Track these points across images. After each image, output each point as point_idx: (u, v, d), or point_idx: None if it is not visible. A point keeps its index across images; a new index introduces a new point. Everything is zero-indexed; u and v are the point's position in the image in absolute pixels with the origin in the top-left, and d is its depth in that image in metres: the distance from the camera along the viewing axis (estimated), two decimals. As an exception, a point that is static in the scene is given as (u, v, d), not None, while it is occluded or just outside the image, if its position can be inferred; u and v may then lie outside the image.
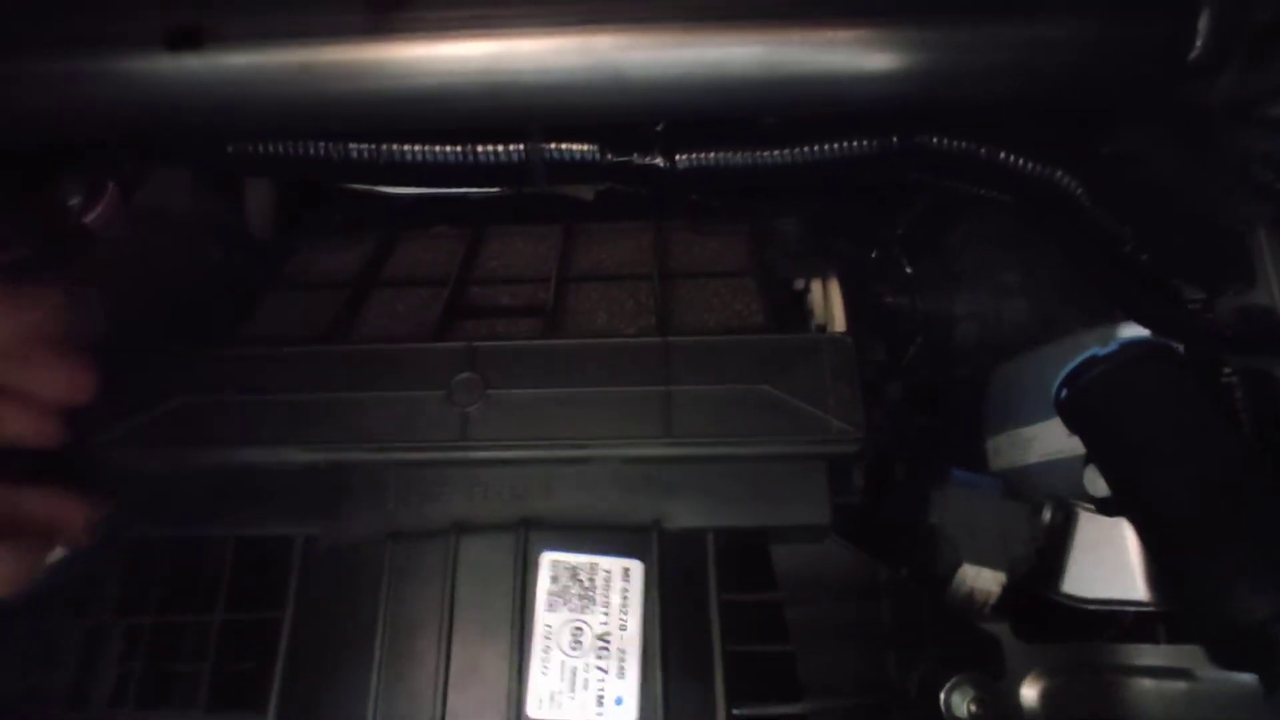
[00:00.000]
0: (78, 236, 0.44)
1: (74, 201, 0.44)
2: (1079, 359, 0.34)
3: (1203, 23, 0.34)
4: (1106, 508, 0.35)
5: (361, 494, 0.35)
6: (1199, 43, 0.34)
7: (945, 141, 0.41)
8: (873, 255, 0.50)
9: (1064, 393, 0.35)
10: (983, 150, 0.41)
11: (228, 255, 0.57)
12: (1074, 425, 0.36)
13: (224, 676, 0.33)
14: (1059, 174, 0.39)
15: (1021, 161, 0.40)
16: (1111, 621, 0.37)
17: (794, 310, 0.45)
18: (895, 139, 0.41)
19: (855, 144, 0.41)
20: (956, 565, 0.41)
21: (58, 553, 0.39)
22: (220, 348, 0.39)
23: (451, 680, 0.30)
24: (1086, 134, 0.41)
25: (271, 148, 0.45)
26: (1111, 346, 0.33)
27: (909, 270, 0.47)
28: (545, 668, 0.30)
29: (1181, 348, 0.34)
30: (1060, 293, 0.50)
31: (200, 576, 0.36)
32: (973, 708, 0.32)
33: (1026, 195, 0.41)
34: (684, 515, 0.35)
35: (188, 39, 0.36)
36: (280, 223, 0.59)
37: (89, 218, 0.44)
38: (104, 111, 0.38)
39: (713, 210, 0.52)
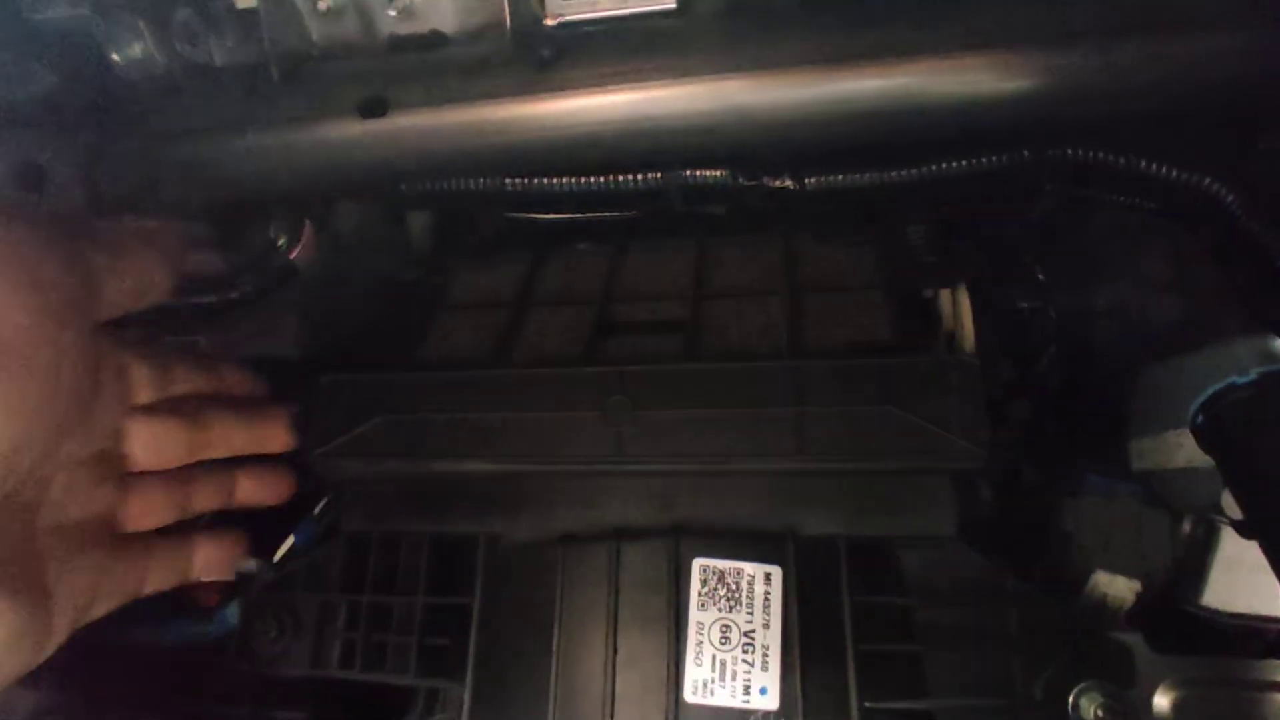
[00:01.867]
0: (285, 273, 0.52)
1: (280, 242, 0.52)
2: (1214, 388, 0.34)
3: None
4: (1243, 530, 0.35)
5: (534, 501, 0.40)
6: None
7: (1081, 152, 0.41)
8: (1007, 262, 0.50)
9: (1200, 419, 0.35)
10: (1122, 160, 0.40)
11: (398, 274, 0.64)
12: (1209, 451, 0.36)
13: (427, 649, 0.40)
14: (1207, 181, 0.38)
15: (1165, 170, 0.39)
16: (1256, 636, 0.37)
17: (921, 322, 0.46)
18: (1027, 152, 0.41)
19: (985, 160, 0.42)
20: (1089, 572, 0.42)
21: (289, 543, 0.47)
22: (410, 372, 0.45)
23: (619, 666, 0.35)
24: (1238, 139, 0.39)
25: (438, 185, 0.51)
26: (1250, 375, 0.33)
27: (1041, 277, 0.47)
28: (699, 660, 0.34)
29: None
30: (1215, 285, 0.48)
31: (404, 565, 0.43)
32: (1100, 713, 0.34)
33: (1172, 204, 0.40)
34: (817, 524, 0.38)
35: (376, 108, 0.42)
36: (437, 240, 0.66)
37: (293, 255, 0.52)
38: (311, 170, 0.45)
39: (840, 219, 0.54)
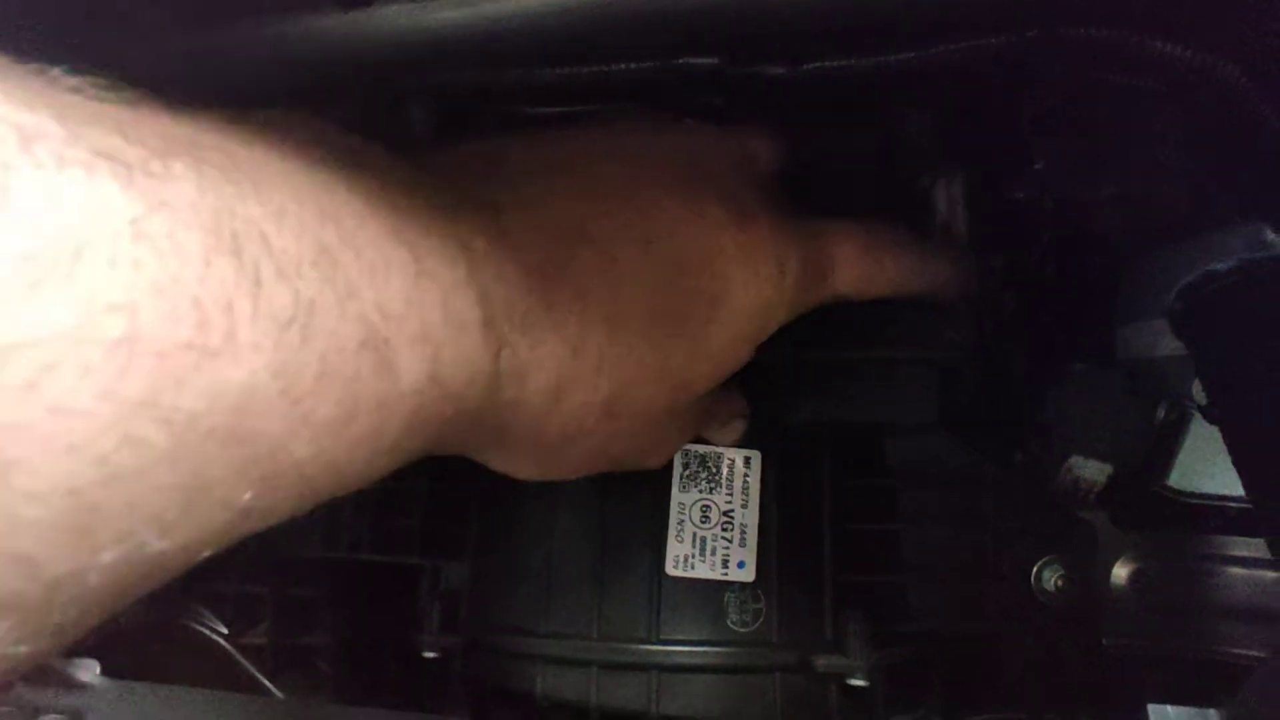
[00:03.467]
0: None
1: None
2: (1194, 274, 0.34)
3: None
4: (1208, 414, 0.36)
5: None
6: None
7: (1091, 31, 0.39)
8: (1007, 150, 0.49)
9: (1178, 305, 0.35)
10: (1134, 38, 0.38)
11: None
12: (1180, 336, 0.36)
13: (430, 531, 0.43)
14: (1219, 61, 0.37)
15: (1177, 49, 0.38)
16: (1216, 515, 0.39)
17: (916, 212, 0.46)
18: (1034, 32, 0.40)
19: (990, 41, 0.40)
20: (1066, 456, 0.43)
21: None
22: None
23: (606, 544, 0.37)
24: (1251, 16, 0.37)
25: (426, 78, 0.49)
26: (1231, 262, 0.33)
27: (1040, 166, 0.46)
28: (680, 537, 0.36)
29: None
30: (1214, 172, 0.47)
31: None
32: (1059, 583, 0.36)
33: (1181, 85, 0.39)
34: (802, 411, 0.39)
35: (356, -3, 0.41)
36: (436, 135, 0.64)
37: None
38: (293, 64, 0.44)
39: (839, 106, 0.52)
